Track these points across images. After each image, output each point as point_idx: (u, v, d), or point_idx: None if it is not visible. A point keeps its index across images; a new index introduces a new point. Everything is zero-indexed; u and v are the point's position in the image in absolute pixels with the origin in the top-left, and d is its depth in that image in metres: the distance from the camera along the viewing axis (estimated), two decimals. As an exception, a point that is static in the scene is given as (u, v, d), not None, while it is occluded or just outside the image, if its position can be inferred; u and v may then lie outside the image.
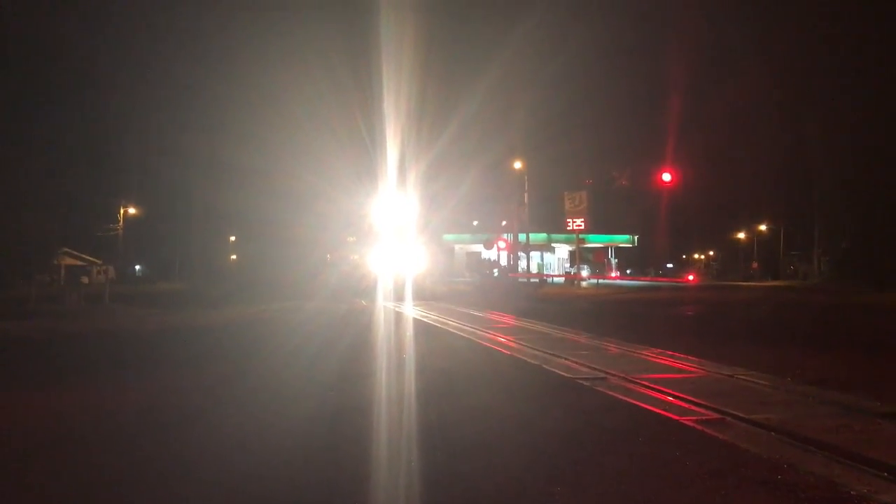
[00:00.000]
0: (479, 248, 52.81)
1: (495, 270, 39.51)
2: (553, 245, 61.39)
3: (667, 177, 33.86)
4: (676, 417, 6.54)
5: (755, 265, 71.97)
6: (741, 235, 77.38)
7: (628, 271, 73.13)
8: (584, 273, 51.88)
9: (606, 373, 9.10)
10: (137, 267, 77.82)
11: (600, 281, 48.26)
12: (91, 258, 63.09)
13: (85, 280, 56.20)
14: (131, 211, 64.31)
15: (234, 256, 67.86)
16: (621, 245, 67.15)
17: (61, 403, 7.79)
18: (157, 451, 5.64)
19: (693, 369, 9.54)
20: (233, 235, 69.22)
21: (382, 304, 25.55)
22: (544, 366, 10.05)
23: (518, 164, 40.54)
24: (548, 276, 53.35)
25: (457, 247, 59.67)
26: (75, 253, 60.82)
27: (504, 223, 43.41)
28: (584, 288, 43.05)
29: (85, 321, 19.56)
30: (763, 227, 72.76)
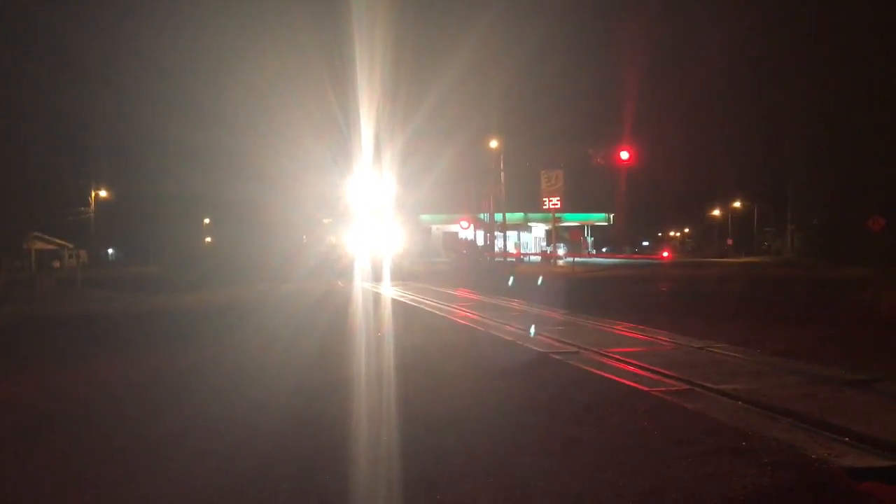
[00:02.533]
0: (456, 227, 52.83)
1: (464, 250, 39.64)
2: (530, 224, 61.56)
3: (624, 155, 34.24)
4: (646, 389, 6.65)
5: (730, 242, 72.84)
6: (716, 212, 78.18)
7: (604, 249, 73.70)
8: (561, 252, 52.19)
9: (579, 347, 9.20)
10: (110, 251, 76.80)
11: (576, 259, 48.58)
12: (63, 242, 61.97)
13: (56, 264, 55.46)
14: (102, 194, 63.25)
15: (208, 239, 67.22)
16: (597, 223, 67.49)
17: (30, 387, 7.73)
18: (136, 435, 5.65)
19: (665, 342, 9.68)
20: (207, 218, 68.56)
21: (360, 285, 25.51)
22: (518, 341, 10.14)
23: (494, 143, 40.48)
24: (524, 254, 53.59)
25: (434, 227, 59.62)
26: (46, 237, 59.66)
27: (481, 202, 43.39)
28: (561, 266, 43.30)
29: (56, 305, 19.33)
30: (738, 204, 73.54)
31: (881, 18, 41.73)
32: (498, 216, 42.08)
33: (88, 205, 60.40)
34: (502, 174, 40.56)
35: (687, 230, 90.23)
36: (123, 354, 10.02)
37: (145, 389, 7.38)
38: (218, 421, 5.93)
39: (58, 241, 60.94)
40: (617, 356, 8.43)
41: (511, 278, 22.02)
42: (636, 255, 69.77)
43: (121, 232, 70.11)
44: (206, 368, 8.61)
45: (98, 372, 8.55)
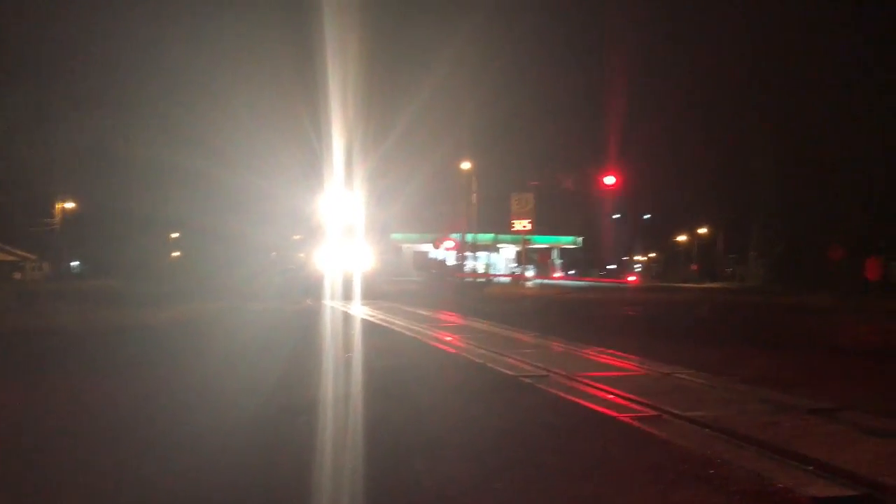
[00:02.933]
0: (427, 247, 52.85)
1: (434, 270, 39.83)
2: (499, 245, 61.91)
3: (610, 180, 34.54)
4: (615, 414, 6.66)
5: (695, 267, 73.91)
6: (682, 238, 79.33)
7: (571, 272, 74.26)
8: (530, 273, 52.48)
9: (549, 371, 9.21)
10: (75, 263, 75.26)
11: (545, 281, 48.93)
12: (24, 253, 60.62)
13: (17, 276, 54.18)
14: (68, 206, 62.11)
15: (176, 254, 66.34)
16: (565, 246, 68.20)
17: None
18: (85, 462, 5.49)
19: (633, 367, 9.74)
20: (175, 233, 67.75)
21: (329, 304, 25.30)
22: (488, 364, 10.11)
23: (466, 165, 40.73)
24: (494, 275, 53.76)
25: (405, 246, 59.64)
26: (7, 248, 58.38)
27: (452, 223, 43.59)
28: (529, 288, 43.52)
29: (14, 319, 18.83)
30: (703, 231, 74.73)
31: (850, 49, 43.06)
32: (469, 236, 42.23)
33: (52, 216, 59.26)
34: (474, 195, 40.79)
35: (653, 255, 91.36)
36: (72, 377, 9.48)
37: (94, 416, 7.06)
38: (174, 448, 5.74)
39: (19, 252, 59.61)
40: (586, 380, 8.45)
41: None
42: (603, 279, 70.41)
43: (85, 244, 68.76)
44: (162, 392, 8.35)
45: (42, 398, 8.30)
